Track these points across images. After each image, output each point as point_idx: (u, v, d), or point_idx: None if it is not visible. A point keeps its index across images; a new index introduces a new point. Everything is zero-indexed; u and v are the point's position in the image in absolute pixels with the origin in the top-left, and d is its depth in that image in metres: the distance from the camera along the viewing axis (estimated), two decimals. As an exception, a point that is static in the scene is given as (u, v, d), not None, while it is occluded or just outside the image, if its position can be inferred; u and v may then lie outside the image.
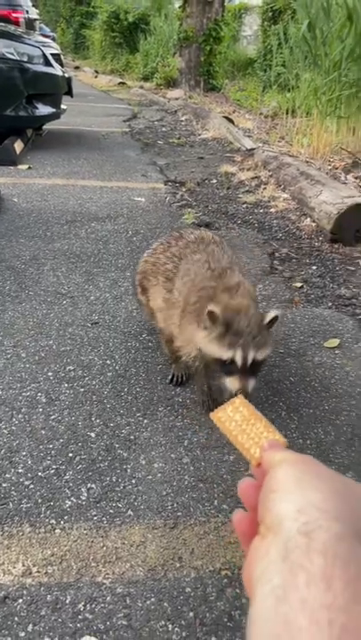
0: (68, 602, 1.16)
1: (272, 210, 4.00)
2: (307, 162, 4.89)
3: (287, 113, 7.35)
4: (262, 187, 4.55)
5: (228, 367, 1.42)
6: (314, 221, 3.66)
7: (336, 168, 4.74)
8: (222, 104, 10.53)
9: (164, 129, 7.65)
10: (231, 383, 1.41)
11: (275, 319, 1.50)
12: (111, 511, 1.39)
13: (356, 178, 4.44)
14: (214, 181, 4.82)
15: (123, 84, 14.48)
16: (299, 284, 2.82)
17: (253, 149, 5.86)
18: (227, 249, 1.86)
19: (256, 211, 4.01)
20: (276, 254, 3.21)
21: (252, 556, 0.39)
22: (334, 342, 2.23)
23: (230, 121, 7.61)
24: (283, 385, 1.94)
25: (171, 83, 12.56)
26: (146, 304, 1.98)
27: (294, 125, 6.64)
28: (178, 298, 1.70)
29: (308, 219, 3.73)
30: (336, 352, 2.18)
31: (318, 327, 2.36)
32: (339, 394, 1.90)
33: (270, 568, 0.36)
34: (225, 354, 1.41)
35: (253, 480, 0.46)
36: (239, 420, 0.51)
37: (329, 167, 4.79)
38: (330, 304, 2.62)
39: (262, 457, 0.46)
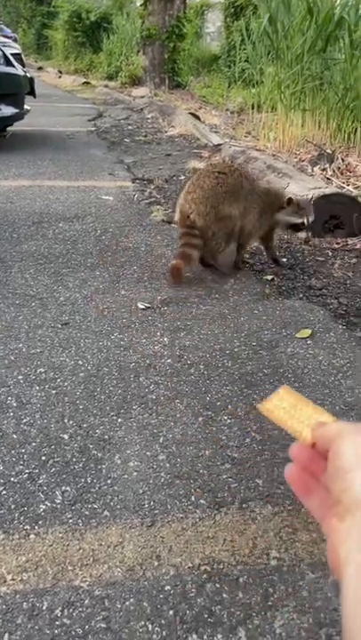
0: (44, 608, 1.13)
1: (241, 204, 4.00)
2: (273, 155, 4.92)
3: (253, 108, 7.39)
4: (230, 181, 4.55)
5: (298, 227, 2.80)
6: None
7: (302, 161, 4.78)
8: (188, 101, 10.52)
9: (130, 127, 7.61)
10: (302, 234, 2.89)
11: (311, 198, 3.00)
12: (87, 513, 1.36)
13: (322, 170, 4.48)
14: (182, 178, 4.80)
15: (87, 83, 14.36)
16: (270, 277, 2.83)
17: (220, 145, 5.87)
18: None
19: (225, 205, 4.01)
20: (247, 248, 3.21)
21: (334, 539, 0.41)
22: (306, 333, 2.24)
23: (196, 117, 7.61)
24: (256, 377, 1.93)
25: (136, 81, 12.51)
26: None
27: (260, 120, 6.67)
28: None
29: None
30: (308, 342, 2.18)
31: (290, 318, 2.37)
32: (312, 383, 1.91)
33: (353, 549, 0.37)
34: (299, 220, 2.77)
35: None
36: (287, 407, 0.52)
37: (295, 160, 4.82)
38: (301, 295, 2.64)
39: (314, 435, 0.47)
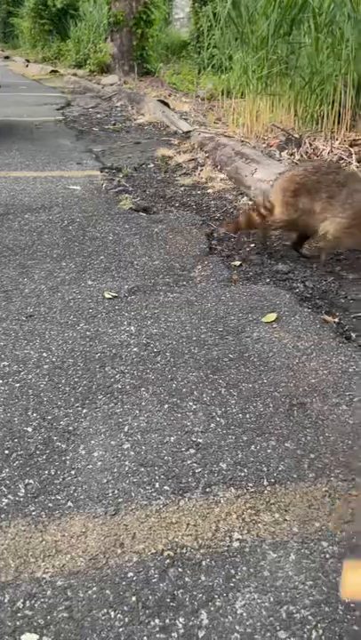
0: (6, 601, 1.12)
1: (209, 191, 3.99)
2: (242, 141, 4.91)
3: (223, 94, 7.35)
4: (199, 168, 4.54)
5: None
6: (251, 200, 3.68)
7: (271, 146, 4.78)
8: (158, 88, 10.41)
9: (99, 115, 7.51)
10: None
11: None
12: (50, 505, 1.35)
13: (290, 154, 4.49)
14: (151, 166, 4.77)
15: (55, 72, 14.12)
16: (237, 263, 2.83)
17: (190, 132, 5.84)
18: None
19: (194, 192, 4.00)
20: (215, 234, 3.21)
21: None
22: (272, 317, 2.25)
23: (166, 104, 7.54)
24: (222, 362, 1.94)
25: (104, 69, 12.34)
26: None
27: (231, 106, 6.64)
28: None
29: (245, 197, 3.75)
30: (274, 326, 2.20)
31: (256, 303, 2.38)
32: (277, 366, 1.92)
33: None
34: None
35: None
36: None
37: (264, 145, 4.82)
38: (268, 280, 2.65)
39: None
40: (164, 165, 4.74)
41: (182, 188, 4.09)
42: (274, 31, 4.75)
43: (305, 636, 1.06)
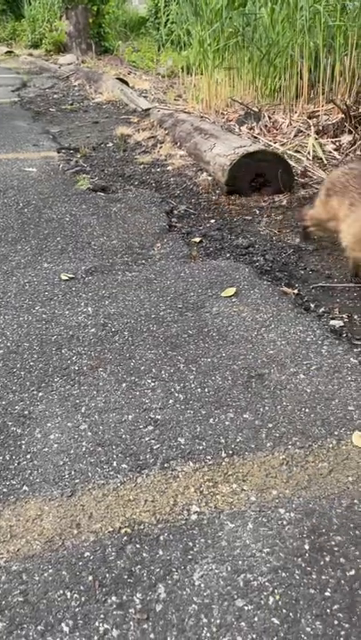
0: None
1: (169, 168, 3.94)
2: (201, 117, 4.85)
3: (183, 70, 7.23)
4: (159, 146, 4.47)
5: None
6: (210, 175, 3.64)
7: (230, 120, 4.73)
8: (117, 66, 10.20)
9: (56, 96, 7.32)
10: None
11: None
12: (5, 490, 1.32)
13: (249, 128, 4.45)
14: (110, 145, 4.68)
15: (10, 52, 13.69)
16: (198, 239, 2.80)
17: (149, 109, 5.73)
18: None
19: (153, 170, 3.93)
20: (175, 212, 3.17)
21: None
22: (231, 291, 2.24)
23: (125, 83, 7.39)
24: (181, 339, 1.92)
25: (61, 48, 12.02)
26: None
27: (191, 83, 6.54)
28: None
29: (205, 173, 3.71)
30: (233, 300, 2.18)
31: (216, 278, 2.36)
32: (236, 339, 1.92)
33: None
34: None
35: None
36: None
37: (223, 120, 4.77)
38: (228, 255, 2.63)
39: None
40: (122, 144, 4.65)
41: (142, 166, 4.02)
42: (228, 3, 4.66)
43: (262, 602, 1.06)
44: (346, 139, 3.92)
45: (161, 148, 4.37)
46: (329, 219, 2.40)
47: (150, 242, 2.75)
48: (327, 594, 1.08)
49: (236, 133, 4.30)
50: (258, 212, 3.18)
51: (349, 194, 2.24)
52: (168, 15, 8.34)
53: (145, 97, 6.74)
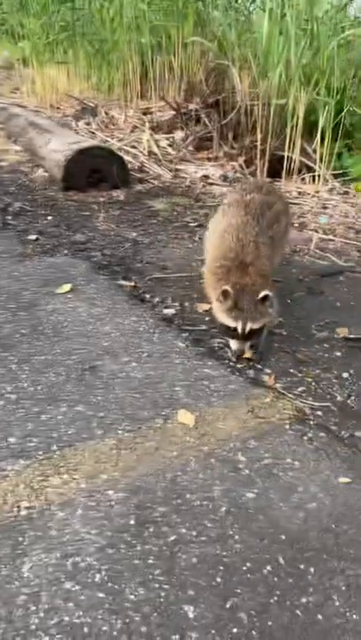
0: None
1: (3, 164, 3.82)
2: (37, 111, 4.75)
3: (20, 63, 6.98)
4: (-7, 141, 4.30)
5: (232, 333, 1.84)
6: (46, 171, 3.60)
7: (67, 116, 4.70)
8: None
9: None
10: (233, 344, 1.87)
11: (265, 297, 1.83)
12: None
13: (87, 124, 4.46)
14: None
15: None
16: (33, 237, 2.77)
17: (-19, 103, 5.47)
18: (267, 215, 2.11)
19: (-14, 167, 3.79)
20: (9, 209, 3.09)
21: None
22: (66, 287, 2.26)
23: None
24: (13, 339, 1.90)
25: None
26: None
27: (29, 75, 6.35)
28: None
29: (41, 169, 3.66)
30: (69, 296, 2.21)
31: (52, 275, 2.36)
32: (71, 335, 1.95)
33: None
34: (232, 323, 1.82)
35: None
36: None
37: (60, 115, 4.72)
38: (65, 251, 2.64)
39: None
40: None
41: (-26, 163, 3.85)
42: (55, -4, 4.61)
43: (89, 580, 1.12)
44: (178, 135, 4.11)
45: (-5, 143, 4.21)
46: None
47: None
48: (150, 561, 1.17)
49: (74, 129, 4.30)
50: (95, 207, 3.22)
51: None
52: (1, 4, 7.98)
53: (-22, 89, 6.40)
